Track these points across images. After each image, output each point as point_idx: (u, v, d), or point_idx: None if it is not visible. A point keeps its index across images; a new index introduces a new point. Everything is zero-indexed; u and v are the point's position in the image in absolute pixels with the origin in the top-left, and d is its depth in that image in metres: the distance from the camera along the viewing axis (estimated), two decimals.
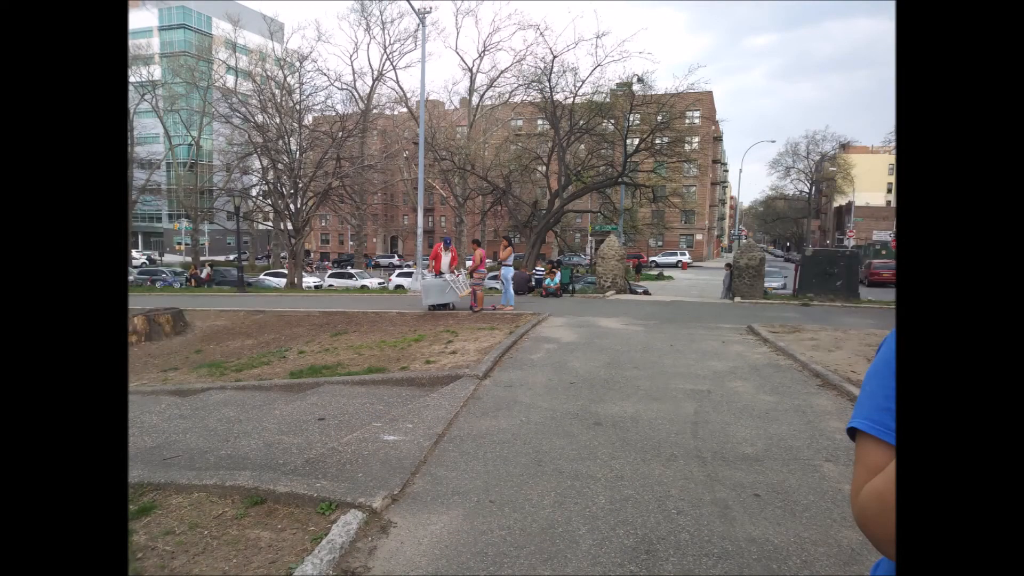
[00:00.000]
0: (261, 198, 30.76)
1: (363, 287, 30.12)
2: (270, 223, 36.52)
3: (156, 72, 45.92)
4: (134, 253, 54.31)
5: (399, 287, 28.33)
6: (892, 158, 68.09)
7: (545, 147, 32.70)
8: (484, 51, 35.04)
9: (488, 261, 16.94)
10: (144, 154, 43.79)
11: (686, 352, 7.69)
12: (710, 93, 54.11)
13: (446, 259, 12.49)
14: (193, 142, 47.70)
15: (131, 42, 41.60)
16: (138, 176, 40.64)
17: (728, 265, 17.42)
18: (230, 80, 38.39)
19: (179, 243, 60.30)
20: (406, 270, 35.26)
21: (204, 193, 48.01)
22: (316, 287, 30.08)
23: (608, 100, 28.60)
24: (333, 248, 72.74)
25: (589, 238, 48.20)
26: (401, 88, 37.66)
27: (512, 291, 13.21)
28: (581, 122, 28.41)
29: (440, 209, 62.87)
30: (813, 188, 69.87)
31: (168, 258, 54.81)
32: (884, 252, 37.47)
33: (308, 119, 32.32)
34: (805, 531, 3.01)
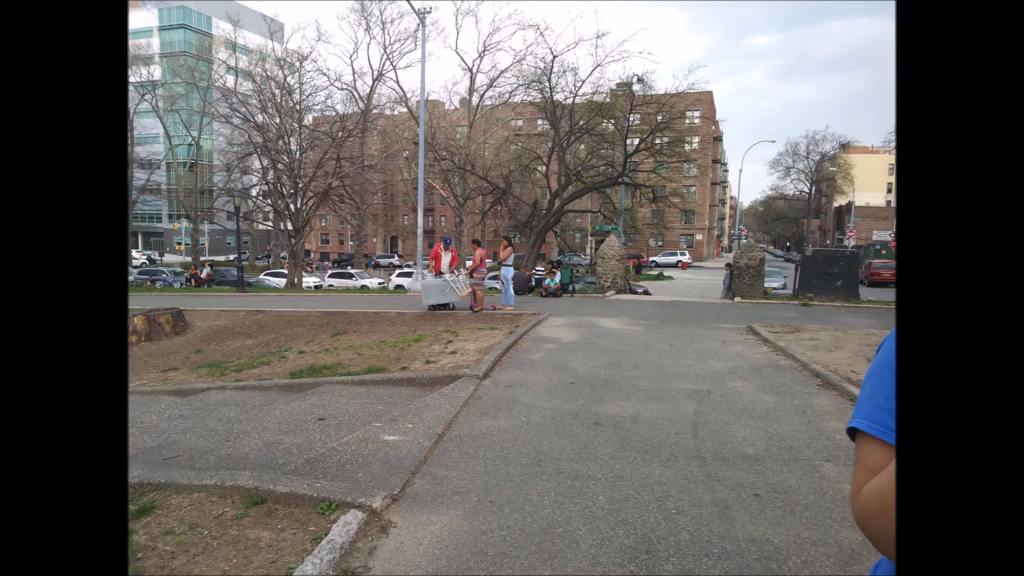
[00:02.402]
0: (261, 198, 30.76)
1: (363, 287, 30.10)
2: (270, 223, 36.53)
3: (156, 72, 45.97)
4: (134, 253, 54.34)
5: (399, 287, 28.32)
6: (892, 158, 68.07)
7: (545, 147, 32.68)
8: (484, 51, 34.93)
9: (488, 261, 16.94)
10: (144, 154, 43.84)
11: (686, 352, 7.69)
12: (710, 93, 54.11)
13: (446, 259, 12.50)
14: (193, 142, 47.73)
15: (131, 42, 41.62)
16: (138, 176, 40.71)
17: (728, 265, 17.42)
18: (230, 80, 38.42)
19: (179, 243, 60.32)
20: (406, 270, 35.24)
21: (204, 193, 48.06)
22: (316, 287, 30.06)
23: (608, 100, 28.61)
24: (333, 248, 72.72)
25: (589, 238, 48.20)
26: (401, 88, 37.66)
27: (512, 291, 13.21)
28: (581, 122, 28.41)
29: (440, 209, 62.86)
30: (813, 188, 69.87)
31: (168, 258, 54.83)
32: (884, 252, 37.47)
33: (308, 119, 32.34)
34: (805, 531, 3.01)
